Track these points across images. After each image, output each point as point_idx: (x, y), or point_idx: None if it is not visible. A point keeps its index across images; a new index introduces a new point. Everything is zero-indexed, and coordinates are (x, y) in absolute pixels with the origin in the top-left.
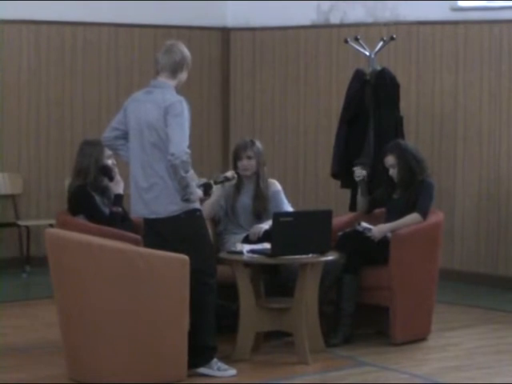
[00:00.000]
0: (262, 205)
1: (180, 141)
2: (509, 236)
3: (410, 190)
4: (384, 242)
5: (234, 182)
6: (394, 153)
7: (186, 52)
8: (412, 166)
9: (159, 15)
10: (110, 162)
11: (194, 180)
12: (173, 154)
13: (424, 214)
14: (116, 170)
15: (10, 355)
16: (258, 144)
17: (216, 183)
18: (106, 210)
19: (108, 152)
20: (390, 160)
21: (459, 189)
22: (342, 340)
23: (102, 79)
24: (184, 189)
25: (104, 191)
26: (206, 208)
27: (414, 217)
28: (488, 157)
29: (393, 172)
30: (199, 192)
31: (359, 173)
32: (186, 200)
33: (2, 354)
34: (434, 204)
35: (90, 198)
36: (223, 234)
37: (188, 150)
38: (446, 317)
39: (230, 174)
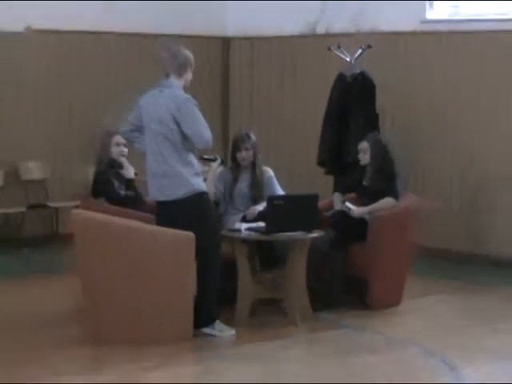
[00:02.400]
0: (258, 191)
1: (203, 133)
2: (481, 216)
3: (378, 178)
4: (363, 223)
5: (216, 164)
6: (369, 141)
7: (189, 54)
8: (382, 156)
9: (170, 24)
10: (117, 150)
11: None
12: (202, 141)
13: (396, 197)
14: (124, 157)
15: (40, 319)
16: (253, 136)
17: (202, 158)
18: (122, 193)
19: (116, 140)
20: (363, 145)
21: (431, 172)
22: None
23: (116, 80)
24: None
25: (117, 177)
26: (210, 190)
27: (387, 200)
28: (459, 141)
29: (362, 156)
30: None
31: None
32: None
33: (33, 317)
34: (404, 188)
35: (108, 182)
36: (222, 216)
37: (211, 135)
38: (418, 287)
39: (215, 158)
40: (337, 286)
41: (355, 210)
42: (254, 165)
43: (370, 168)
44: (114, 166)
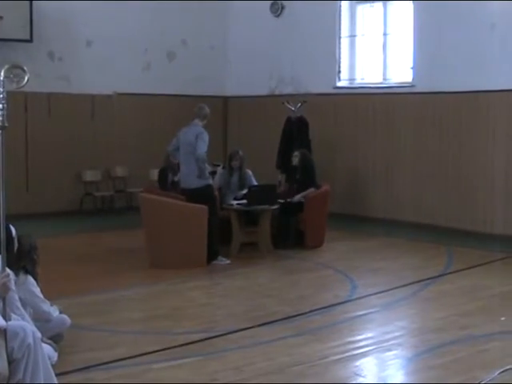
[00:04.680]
0: (243, 183)
1: (202, 149)
2: (361, 193)
3: (304, 174)
4: (300, 203)
5: (220, 167)
6: (299, 152)
7: (208, 110)
8: (306, 161)
9: (183, 89)
10: (172, 160)
11: (208, 168)
12: (198, 154)
13: (317, 187)
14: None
15: (116, 254)
16: (241, 153)
17: (213, 164)
18: (168, 184)
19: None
20: (295, 154)
21: (334, 172)
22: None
23: (164, 121)
24: (199, 171)
25: (174, 172)
26: (216, 182)
27: (311, 190)
28: (350, 155)
29: (294, 160)
30: (208, 175)
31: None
32: (199, 177)
33: (114, 253)
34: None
35: (164, 175)
36: (223, 197)
37: (205, 154)
38: (333, 235)
39: (219, 164)
40: (291, 236)
41: (296, 197)
42: (240, 168)
43: (299, 167)
44: (172, 166)
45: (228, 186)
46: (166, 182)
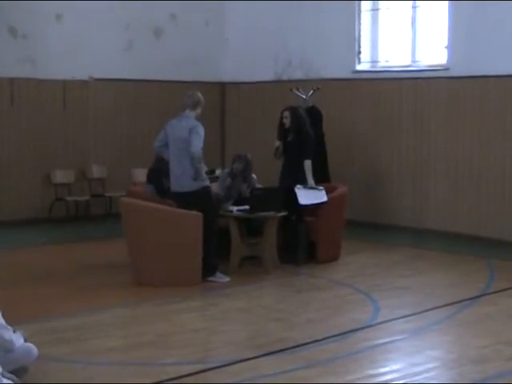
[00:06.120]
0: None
1: (197, 145)
2: (384, 198)
3: (298, 136)
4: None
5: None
6: (288, 111)
7: (201, 97)
8: (298, 120)
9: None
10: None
11: (204, 168)
12: (193, 151)
13: (310, 158)
14: None
15: (92, 269)
16: (249, 156)
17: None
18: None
19: None
20: (285, 114)
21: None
22: (303, 260)
23: (150, 111)
24: (195, 172)
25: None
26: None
27: (306, 163)
28: (370, 153)
29: (286, 121)
30: (205, 174)
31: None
32: (195, 179)
33: (91, 269)
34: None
35: (159, 180)
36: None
37: (201, 151)
38: (350, 247)
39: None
40: (300, 246)
41: (310, 184)
42: (244, 173)
43: (291, 129)
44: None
45: (228, 193)
46: (163, 187)
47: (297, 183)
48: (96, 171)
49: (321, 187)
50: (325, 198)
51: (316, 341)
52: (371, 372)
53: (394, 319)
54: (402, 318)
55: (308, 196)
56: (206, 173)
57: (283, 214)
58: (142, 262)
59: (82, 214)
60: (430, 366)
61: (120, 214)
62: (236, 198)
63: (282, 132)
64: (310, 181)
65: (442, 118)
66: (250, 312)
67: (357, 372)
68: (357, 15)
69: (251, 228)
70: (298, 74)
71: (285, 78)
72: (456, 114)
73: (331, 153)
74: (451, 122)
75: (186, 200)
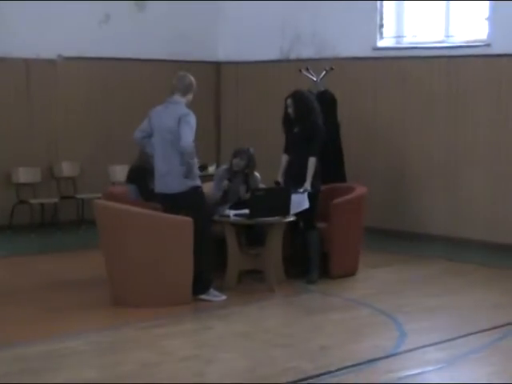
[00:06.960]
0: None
1: (188, 137)
2: (411, 201)
3: (304, 126)
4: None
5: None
6: (291, 98)
7: (193, 80)
8: (304, 108)
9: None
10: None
11: (196, 164)
12: (183, 146)
13: (316, 155)
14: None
15: (62, 286)
16: (252, 150)
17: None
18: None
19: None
20: (288, 102)
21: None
22: (317, 277)
23: (131, 97)
24: (187, 169)
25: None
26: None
27: (311, 161)
28: (395, 146)
29: (290, 110)
30: (198, 172)
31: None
32: (187, 177)
33: (61, 286)
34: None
35: (143, 180)
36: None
37: (193, 144)
38: (370, 259)
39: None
40: (314, 262)
41: (305, 187)
42: (245, 171)
43: (296, 119)
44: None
45: (225, 192)
46: (147, 188)
47: (297, 185)
48: (66, 169)
49: (301, 189)
50: (306, 205)
51: (330, 372)
52: None
53: (423, 346)
54: (432, 345)
55: (293, 204)
56: (199, 168)
57: (290, 219)
58: (121, 277)
59: (49, 219)
60: None
61: (95, 220)
62: (234, 200)
63: (287, 124)
64: (307, 184)
65: (483, 104)
66: (250, 337)
67: None
68: None
69: (252, 236)
70: (309, 52)
71: (292, 56)
72: (499, 98)
73: (347, 147)
74: (493, 110)
75: (173, 203)
